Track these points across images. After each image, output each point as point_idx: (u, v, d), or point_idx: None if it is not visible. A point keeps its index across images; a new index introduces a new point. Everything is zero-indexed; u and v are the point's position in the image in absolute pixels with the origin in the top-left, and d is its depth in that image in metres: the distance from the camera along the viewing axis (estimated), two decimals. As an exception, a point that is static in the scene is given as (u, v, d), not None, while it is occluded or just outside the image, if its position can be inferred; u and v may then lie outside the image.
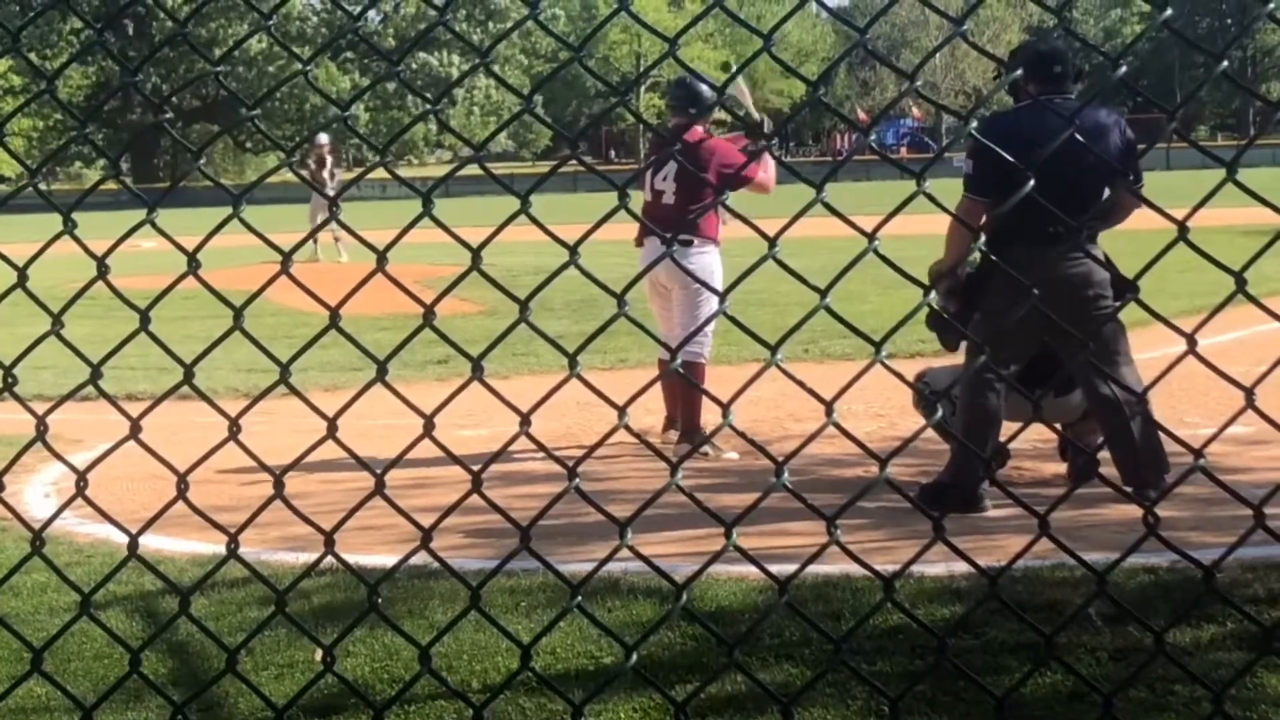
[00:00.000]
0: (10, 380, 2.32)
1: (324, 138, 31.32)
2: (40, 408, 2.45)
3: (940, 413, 8.43)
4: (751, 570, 6.66)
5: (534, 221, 2.10)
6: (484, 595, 2.39)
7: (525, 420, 2.02)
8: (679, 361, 2.16)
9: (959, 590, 6.57)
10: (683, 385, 9.21)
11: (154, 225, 2.16)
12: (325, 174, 30.21)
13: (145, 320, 2.21)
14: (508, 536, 2.25)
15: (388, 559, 6.74)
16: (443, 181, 2.21)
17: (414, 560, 2.32)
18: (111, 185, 2.84)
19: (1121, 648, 5.75)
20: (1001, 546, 6.90)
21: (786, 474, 1.96)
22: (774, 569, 2.31)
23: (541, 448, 2.10)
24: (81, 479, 2.24)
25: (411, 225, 2.11)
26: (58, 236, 2.26)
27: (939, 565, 6.67)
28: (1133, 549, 2.15)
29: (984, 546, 6.71)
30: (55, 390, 8.79)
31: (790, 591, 2.11)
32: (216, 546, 7.84)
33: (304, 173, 29.53)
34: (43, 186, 2.37)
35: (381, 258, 2.11)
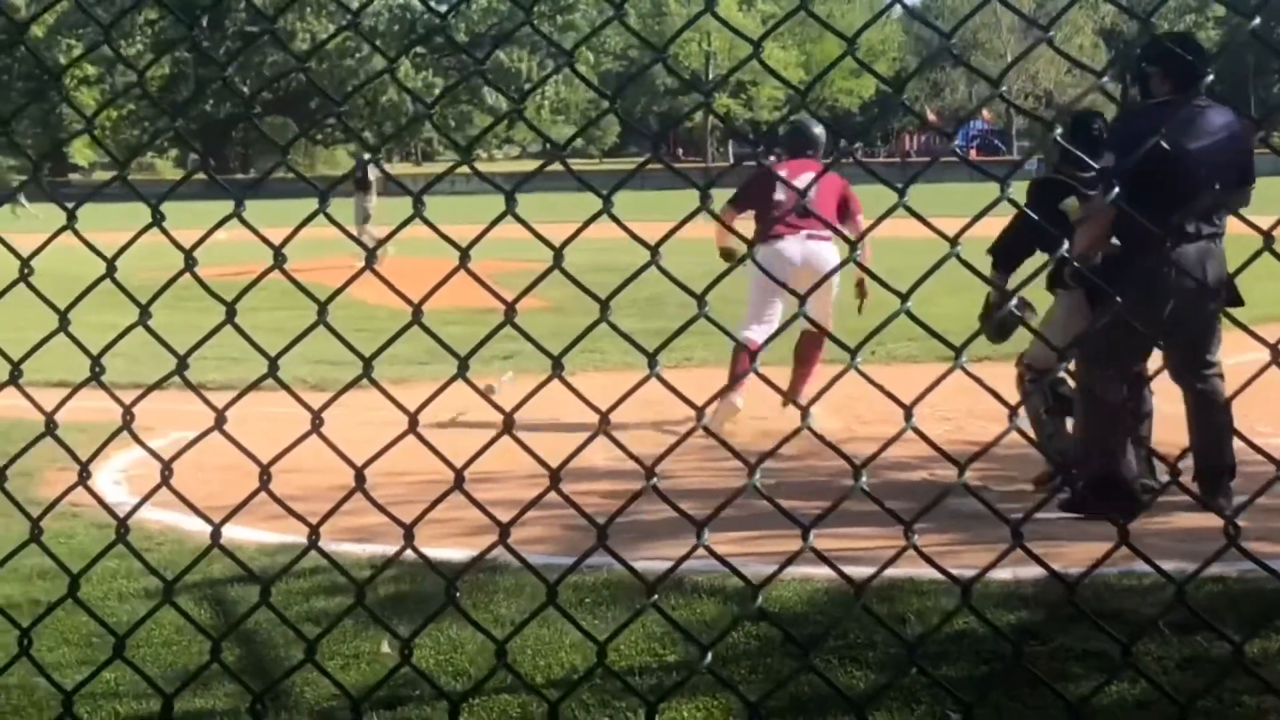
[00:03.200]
0: (99, 370, 2.35)
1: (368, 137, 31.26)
2: (119, 395, 2.47)
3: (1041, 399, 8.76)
4: (817, 570, 6.65)
5: (616, 221, 2.11)
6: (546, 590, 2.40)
7: (604, 419, 2.03)
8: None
9: (1025, 596, 6.53)
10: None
11: (241, 219, 2.18)
12: (368, 174, 30.10)
13: (231, 313, 2.23)
14: (575, 532, 2.26)
15: (455, 552, 6.78)
16: (527, 180, 2.21)
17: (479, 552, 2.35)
18: (182, 175, 2.86)
19: (1189, 657, 5.71)
20: (1066, 553, 6.85)
21: (865, 477, 1.96)
22: (845, 570, 2.31)
23: (621, 447, 2.11)
24: (166, 468, 2.27)
25: (495, 223, 2.12)
26: (146, 229, 2.29)
27: (1005, 570, 6.61)
28: (1212, 559, 2.14)
29: (1049, 553, 6.65)
30: (126, 378, 8.87)
31: (863, 595, 2.11)
32: (284, 536, 7.93)
33: (370, 173, 29.44)
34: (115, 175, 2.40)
35: (464, 255, 2.12)
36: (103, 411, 2.84)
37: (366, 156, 30.15)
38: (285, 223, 2.44)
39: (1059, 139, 8.50)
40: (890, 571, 6.59)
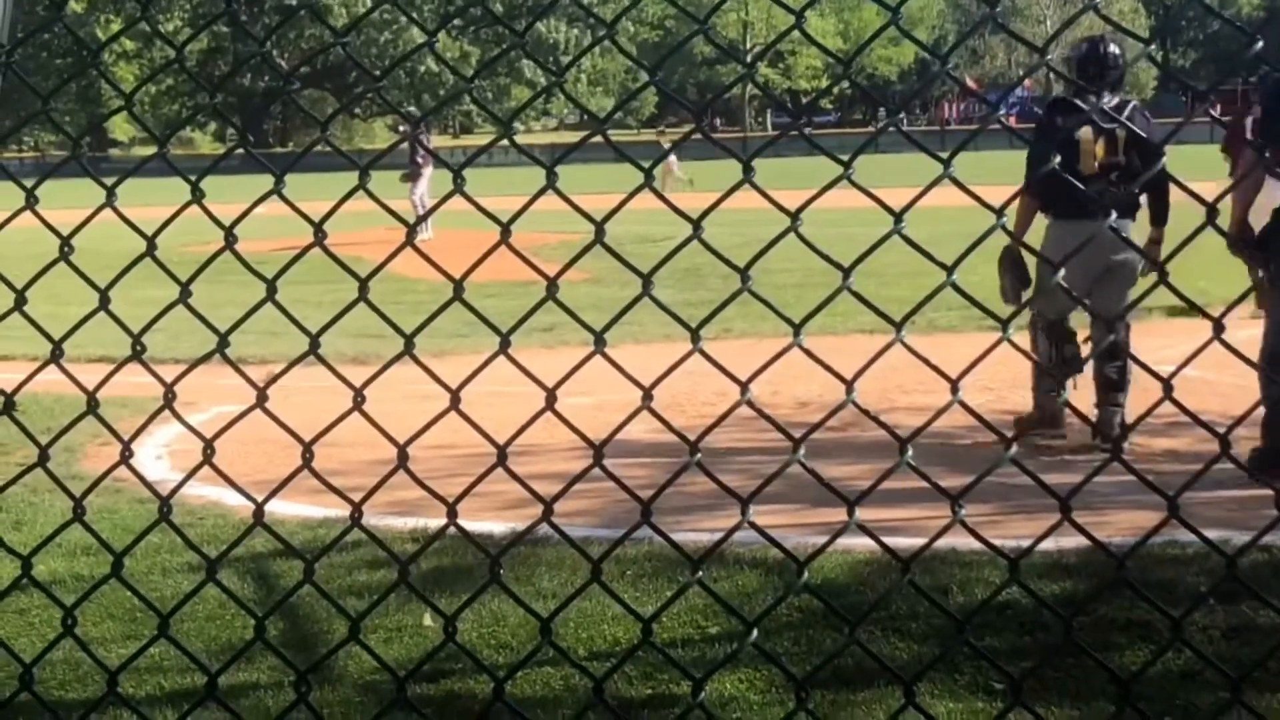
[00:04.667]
0: (140, 349, 2.35)
1: (414, 110, 31.27)
2: (158, 371, 2.47)
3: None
4: (858, 542, 6.64)
5: (657, 194, 2.10)
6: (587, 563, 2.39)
7: (648, 395, 2.01)
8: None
9: (1069, 566, 6.50)
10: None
11: (281, 196, 2.17)
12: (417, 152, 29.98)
13: (272, 290, 2.22)
14: (617, 504, 2.26)
15: (495, 525, 6.78)
16: (569, 153, 2.19)
17: (522, 526, 2.34)
18: (220, 149, 2.87)
19: (1235, 626, 5.68)
20: (1111, 522, 6.82)
21: (910, 452, 1.94)
22: (886, 542, 2.29)
23: (665, 423, 2.09)
24: (209, 446, 2.26)
25: (536, 197, 2.11)
26: (186, 205, 2.28)
27: (1049, 540, 6.59)
28: (1264, 533, 2.11)
29: (1094, 522, 6.61)
30: (167, 353, 8.90)
31: (910, 570, 2.09)
32: (325, 510, 7.96)
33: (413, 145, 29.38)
34: (153, 150, 2.39)
35: (505, 230, 2.10)
36: (145, 386, 2.84)
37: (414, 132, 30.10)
38: (324, 196, 2.44)
39: (1065, 69, 9.11)
40: (936, 542, 6.61)
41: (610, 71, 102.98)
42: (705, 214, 2.07)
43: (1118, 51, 9.62)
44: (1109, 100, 9.48)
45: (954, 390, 1.86)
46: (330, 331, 2.37)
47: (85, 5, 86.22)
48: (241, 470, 2.61)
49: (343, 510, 2.58)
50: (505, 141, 2.29)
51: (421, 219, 2.33)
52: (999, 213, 1.90)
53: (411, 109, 31.09)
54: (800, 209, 2.01)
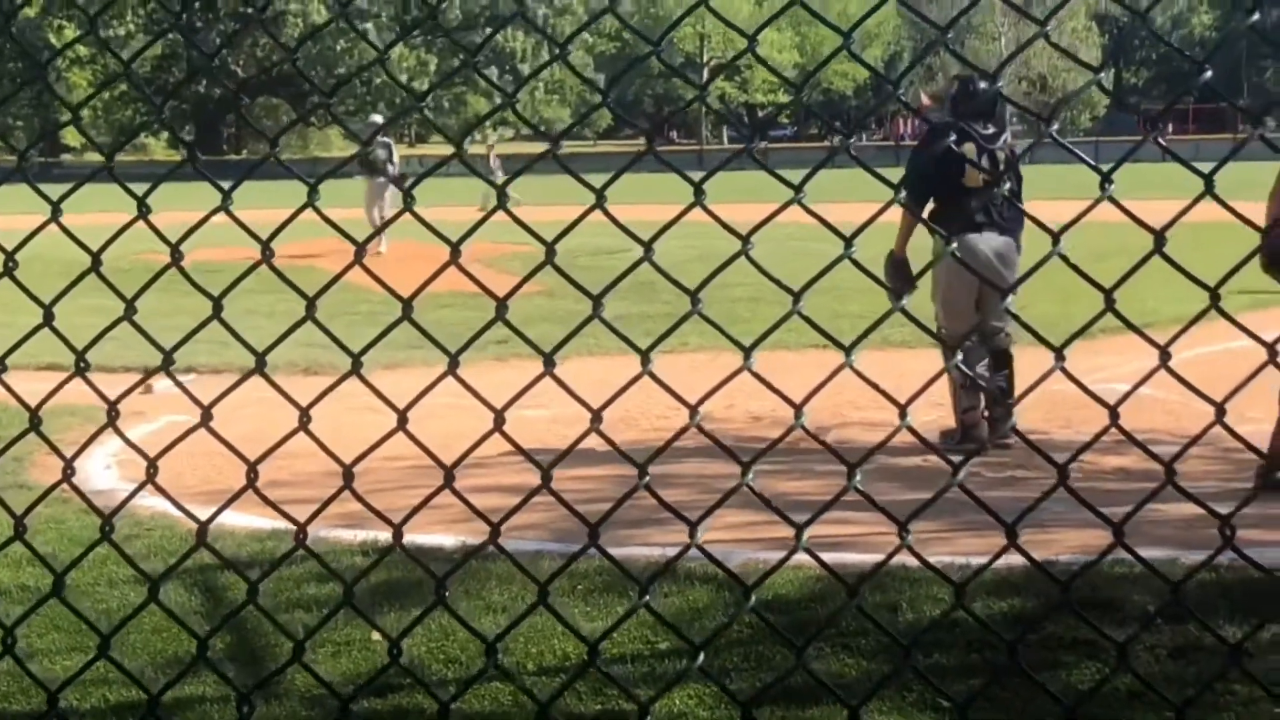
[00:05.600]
0: (84, 365, 2.33)
1: (377, 118, 31.12)
2: (103, 380, 2.46)
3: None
4: (809, 559, 6.64)
5: (609, 217, 2.10)
6: (541, 577, 2.39)
7: (596, 417, 2.01)
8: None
9: (1016, 584, 6.53)
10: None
11: (229, 213, 2.16)
12: (378, 155, 29.74)
13: (218, 308, 2.21)
14: (567, 519, 2.24)
15: (445, 538, 6.76)
16: (518, 175, 2.19)
17: (472, 539, 2.34)
18: (174, 155, 2.87)
19: (1181, 646, 5.71)
20: (1059, 540, 6.84)
21: (859, 477, 1.95)
22: (835, 558, 2.31)
23: (613, 446, 2.09)
24: (152, 466, 2.25)
25: (486, 217, 2.11)
26: (132, 222, 2.27)
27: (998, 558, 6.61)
28: (1208, 561, 2.13)
29: (1039, 541, 6.65)
30: (118, 362, 8.84)
31: (859, 594, 2.10)
32: (275, 522, 7.90)
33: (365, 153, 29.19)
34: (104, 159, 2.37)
35: (455, 251, 2.10)
36: (85, 394, 2.83)
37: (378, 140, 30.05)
38: (280, 203, 2.43)
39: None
40: (883, 557, 6.62)
41: (567, 82, 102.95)
42: (656, 236, 2.07)
43: (986, 88, 10.60)
44: (986, 129, 10.61)
45: (902, 416, 1.87)
46: (282, 343, 2.36)
47: (38, 10, 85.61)
48: (190, 482, 2.62)
49: (294, 519, 2.58)
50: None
51: (372, 235, 2.32)
52: (948, 241, 1.91)
53: (376, 118, 30.90)
54: (751, 232, 2.02)
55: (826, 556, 2.35)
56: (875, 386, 1.95)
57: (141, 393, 2.43)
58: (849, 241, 1.93)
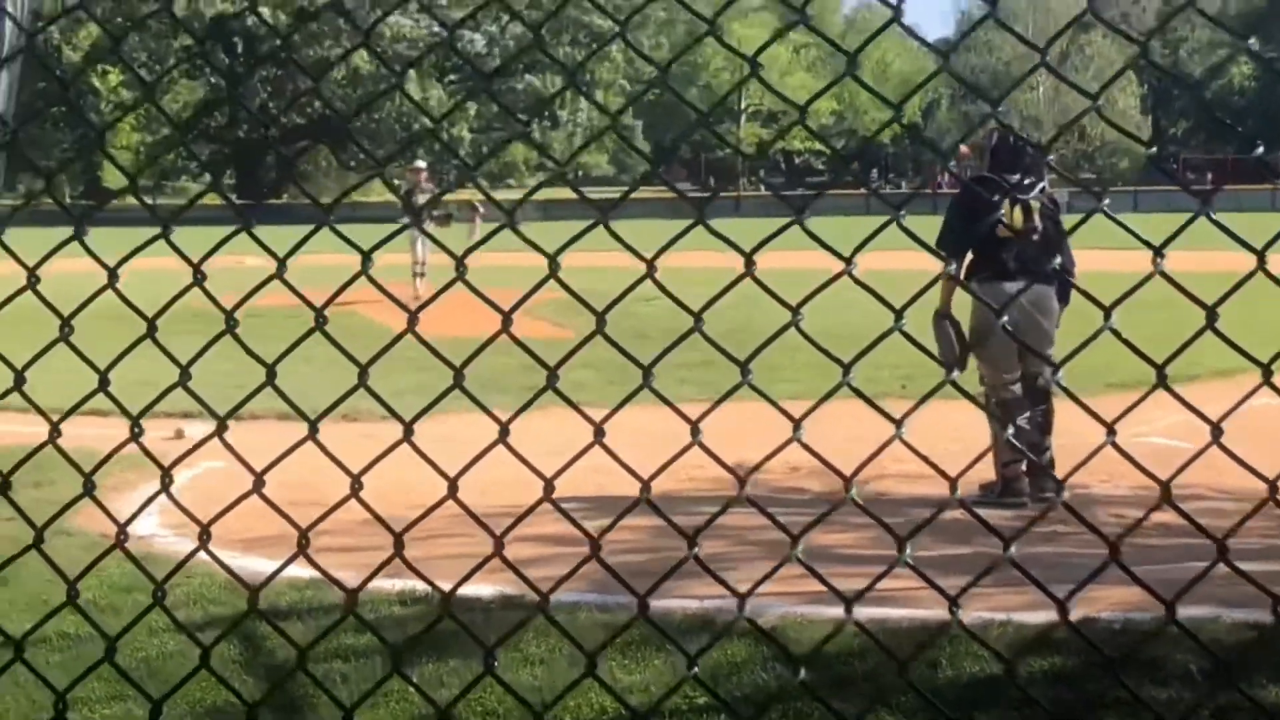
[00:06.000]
0: (137, 431, 2.36)
1: (420, 163, 31.13)
2: (167, 425, 2.50)
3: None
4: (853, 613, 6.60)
5: (659, 285, 2.11)
6: (576, 627, 2.40)
7: (645, 488, 2.02)
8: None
9: (1057, 642, 6.48)
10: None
11: (284, 281, 2.18)
12: (421, 199, 29.65)
13: (272, 375, 2.24)
14: (599, 569, 2.24)
15: (484, 589, 6.76)
16: (567, 246, 2.21)
17: (509, 590, 2.33)
18: (214, 199, 2.90)
19: (1223, 706, 5.66)
20: (1101, 597, 6.80)
21: (910, 550, 1.95)
22: (878, 613, 2.31)
23: (663, 516, 2.10)
24: (205, 532, 2.27)
25: (537, 288, 2.13)
26: (187, 289, 2.30)
27: (1039, 614, 6.58)
28: (1255, 643, 2.11)
29: (1083, 599, 6.58)
30: (178, 407, 8.87)
31: (899, 652, 2.09)
32: (314, 571, 7.88)
33: (399, 187, 29.12)
34: (149, 200, 2.42)
35: (506, 319, 2.12)
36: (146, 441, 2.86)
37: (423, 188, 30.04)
38: (328, 247, 2.45)
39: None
40: (926, 613, 6.60)
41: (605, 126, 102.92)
42: (706, 307, 2.09)
43: (1024, 143, 10.79)
44: (1025, 180, 10.70)
45: (953, 490, 1.87)
46: (325, 387, 2.38)
47: (82, 56, 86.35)
48: (232, 529, 2.63)
49: (334, 568, 2.61)
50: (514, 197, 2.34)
51: (417, 274, 2.37)
52: (957, 283, 1.91)
53: (419, 163, 30.86)
54: (801, 304, 2.03)
55: (869, 611, 2.35)
56: (925, 460, 1.96)
57: (173, 438, 2.46)
58: (899, 314, 1.93)
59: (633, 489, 2.21)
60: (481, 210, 27.35)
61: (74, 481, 2.78)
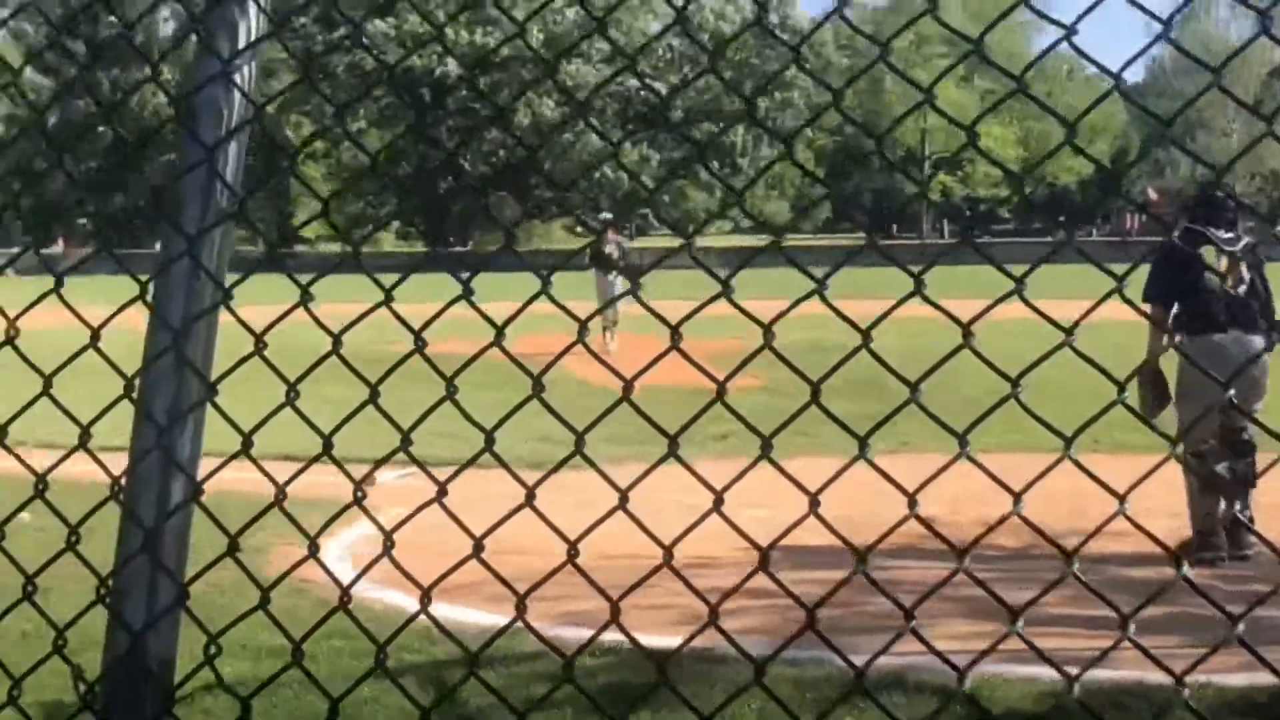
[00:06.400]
0: (360, 495, 2.43)
1: (607, 215, 31.44)
2: (331, 471, 2.55)
3: None
4: (1044, 671, 6.47)
5: (828, 304, 2.09)
6: (768, 682, 2.36)
7: (814, 501, 2.00)
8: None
9: (1259, 704, 6.27)
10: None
11: (470, 302, 2.23)
12: (609, 250, 29.94)
13: (452, 390, 2.29)
14: (788, 622, 2.23)
15: (667, 639, 6.73)
16: (743, 266, 2.23)
17: (697, 643, 2.31)
18: (403, 247, 2.97)
19: None
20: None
21: (1133, 628, 1.91)
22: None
23: (831, 529, 2.08)
24: (389, 539, 2.28)
25: (709, 301, 2.15)
26: (375, 308, 2.37)
27: (1241, 675, 6.36)
28: None
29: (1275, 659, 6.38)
30: (354, 452, 9.01)
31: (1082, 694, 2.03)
32: (502, 618, 7.90)
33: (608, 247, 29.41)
34: (338, 248, 2.49)
35: (675, 334, 2.15)
36: (323, 486, 2.90)
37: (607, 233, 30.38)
38: (509, 295, 2.49)
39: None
40: (1118, 673, 6.42)
41: (786, 176, 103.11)
42: (875, 324, 2.06)
43: (1225, 196, 11.29)
44: (1224, 234, 10.69)
45: (1177, 567, 1.84)
46: (511, 438, 2.40)
47: (276, 108, 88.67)
48: (420, 578, 2.65)
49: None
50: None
51: (594, 314, 2.42)
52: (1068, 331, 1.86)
53: (605, 215, 31.36)
54: (972, 321, 2.01)
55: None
56: (1151, 537, 1.91)
57: (366, 485, 2.50)
58: (1069, 332, 1.88)
59: (811, 539, 2.19)
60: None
61: (268, 529, 2.84)
